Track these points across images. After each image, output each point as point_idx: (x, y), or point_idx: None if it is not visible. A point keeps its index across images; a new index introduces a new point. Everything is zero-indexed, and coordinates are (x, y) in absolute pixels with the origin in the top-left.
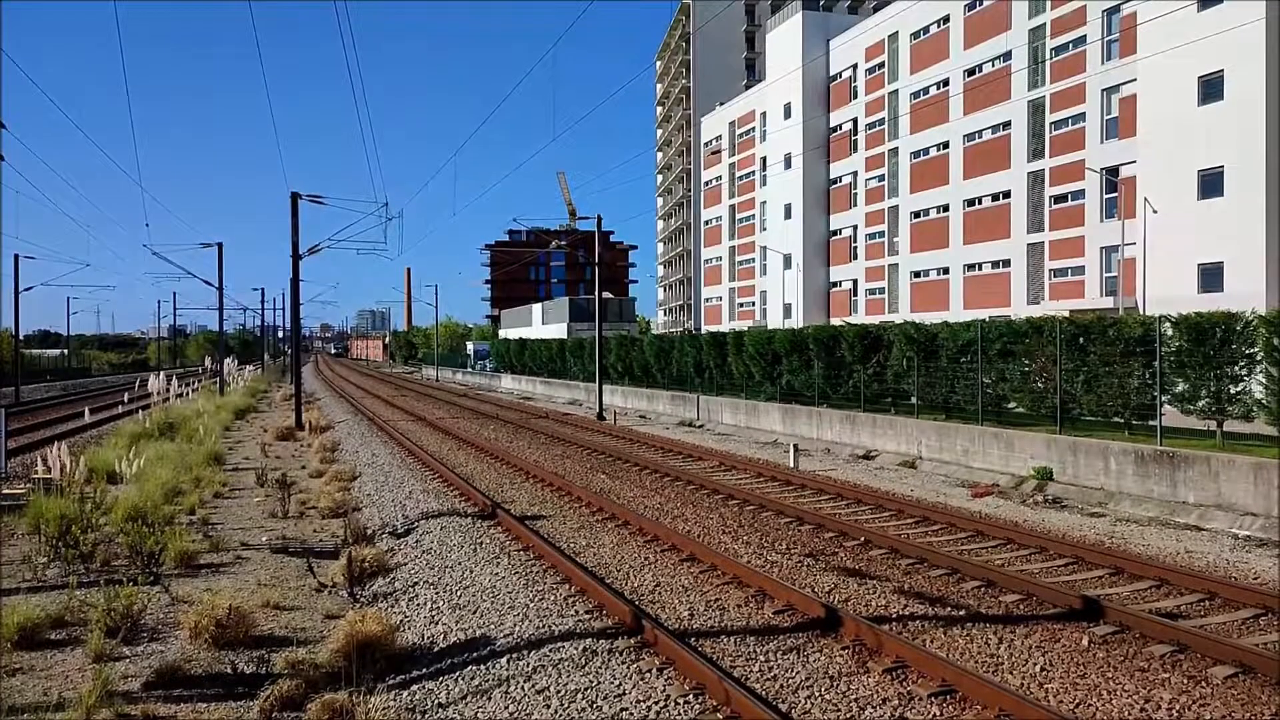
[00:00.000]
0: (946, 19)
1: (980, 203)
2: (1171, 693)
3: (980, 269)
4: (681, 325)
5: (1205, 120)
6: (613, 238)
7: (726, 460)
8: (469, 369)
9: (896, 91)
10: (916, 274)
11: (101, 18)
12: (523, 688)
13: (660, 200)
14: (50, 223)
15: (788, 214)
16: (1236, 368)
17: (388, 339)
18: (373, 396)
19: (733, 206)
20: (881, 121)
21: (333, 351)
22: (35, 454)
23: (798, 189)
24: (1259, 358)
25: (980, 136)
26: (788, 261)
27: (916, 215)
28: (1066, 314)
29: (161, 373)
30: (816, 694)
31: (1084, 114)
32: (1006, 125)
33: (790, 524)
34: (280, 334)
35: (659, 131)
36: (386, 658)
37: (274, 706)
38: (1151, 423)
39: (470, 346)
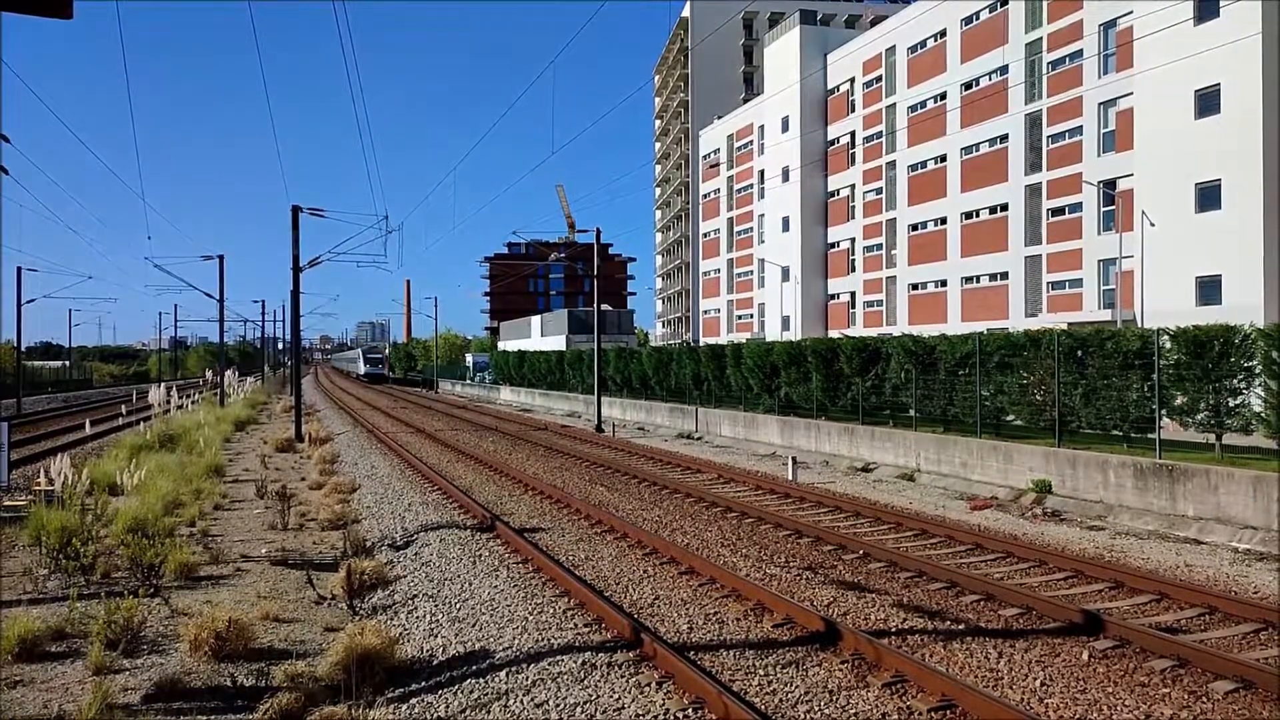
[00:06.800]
0: (943, 33)
1: (978, 215)
2: (1172, 708)
3: (978, 281)
4: (680, 337)
5: (1203, 133)
6: (611, 250)
7: (725, 473)
8: (468, 381)
9: (894, 105)
10: (914, 286)
11: (104, 28)
12: (522, 701)
13: (659, 213)
14: (52, 235)
15: (785, 226)
16: (1235, 381)
17: (387, 351)
18: (372, 408)
19: (731, 219)
20: (879, 135)
21: (361, 373)
22: (37, 466)
23: (796, 202)
24: (1257, 371)
25: (977, 149)
26: (786, 274)
27: (914, 228)
28: (1064, 327)
29: (162, 384)
30: (816, 708)
31: (1081, 127)
32: (1004, 138)
33: (789, 537)
34: (281, 345)
35: (657, 145)
36: (386, 670)
37: None
38: (1150, 436)
39: (469, 358)
